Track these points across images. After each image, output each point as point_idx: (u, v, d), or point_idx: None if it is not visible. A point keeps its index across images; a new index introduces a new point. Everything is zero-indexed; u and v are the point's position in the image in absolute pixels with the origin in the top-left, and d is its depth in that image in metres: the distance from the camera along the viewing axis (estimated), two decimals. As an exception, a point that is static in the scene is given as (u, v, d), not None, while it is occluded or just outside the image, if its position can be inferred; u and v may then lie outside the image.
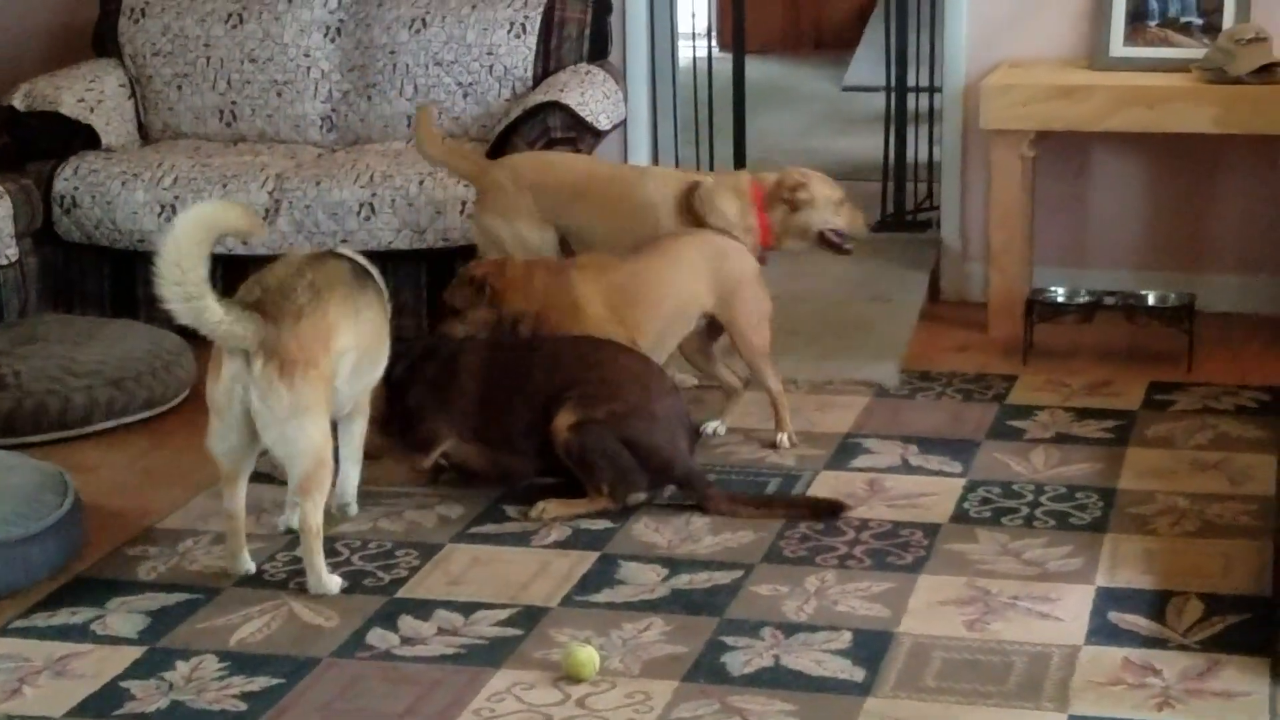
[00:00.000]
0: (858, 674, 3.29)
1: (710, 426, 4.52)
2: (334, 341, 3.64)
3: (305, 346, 3.56)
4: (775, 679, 3.27)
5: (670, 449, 4.00)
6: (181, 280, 3.41)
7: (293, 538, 3.85)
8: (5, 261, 5.10)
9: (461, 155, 4.94)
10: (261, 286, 3.63)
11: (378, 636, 3.48)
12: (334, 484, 3.77)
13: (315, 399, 3.57)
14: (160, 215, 5.31)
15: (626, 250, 4.45)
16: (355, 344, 3.72)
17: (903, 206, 6.12)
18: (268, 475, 3.88)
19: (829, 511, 3.98)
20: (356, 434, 3.97)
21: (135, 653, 3.43)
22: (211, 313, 3.46)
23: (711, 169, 6.17)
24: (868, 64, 8.56)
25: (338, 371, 3.67)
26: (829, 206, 4.61)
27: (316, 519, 3.62)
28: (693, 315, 4.40)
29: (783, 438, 4.44)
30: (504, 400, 4.08)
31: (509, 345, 4.22)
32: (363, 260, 3.91)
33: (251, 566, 3.73)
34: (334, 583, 3.66)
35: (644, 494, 4.04)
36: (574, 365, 4.08)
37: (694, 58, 6.51)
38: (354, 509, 4.03)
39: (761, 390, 4.49)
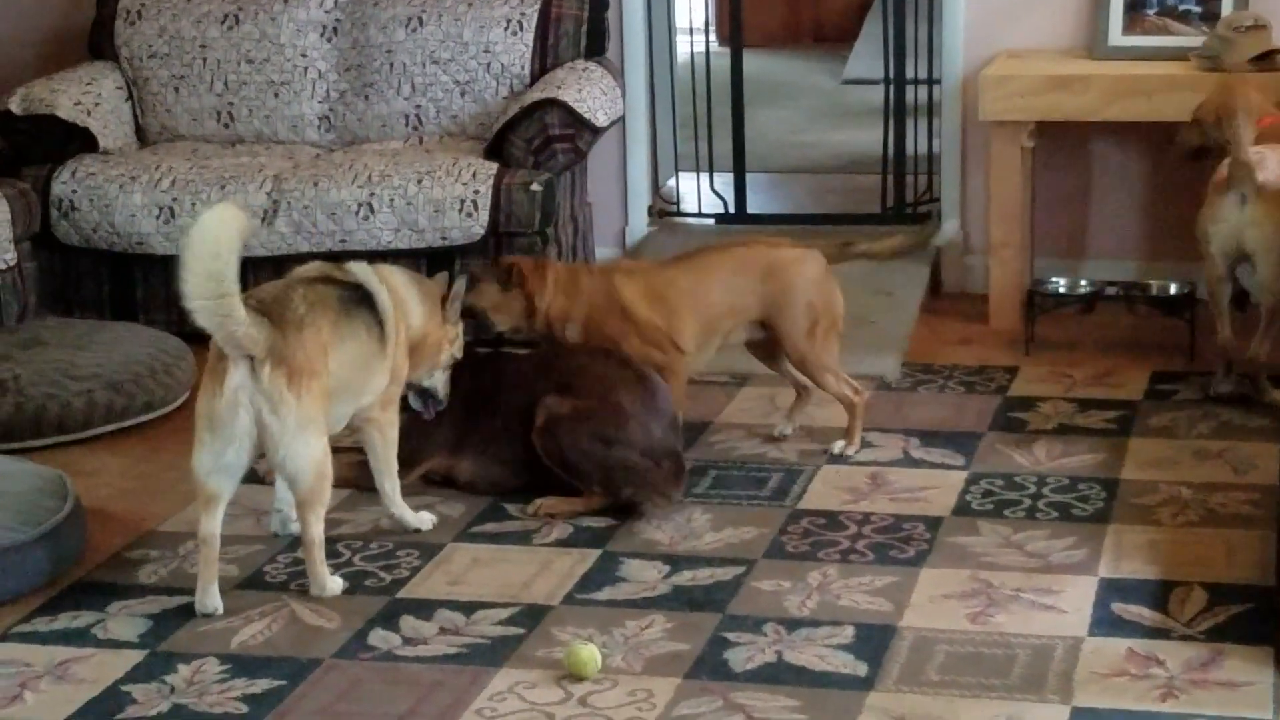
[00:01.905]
0: (860, 669, 3.28)
1: (777, 429, 4.46)
2: (328, 359, 3.58)
3: (310, 356, 3.52)
4: (778, 675, 3.27)
5: (637, 444, 3.96)
6: (220, 275, 3.32)
7: (293, 541, 3.85)
8: (4, 265, 5.10)
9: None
10: (257, 298, 3.55)
11: (379, 637, 3.48)
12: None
13: (319, 411, 3.53)
14: (158, 218, 5.30)
15: (668, 257, 4.43)
16: (335, 370, 3.61)
17: (903, 199, 6.10)
18: (259, 478, 3.87)
19: None
20: (377, 448, 3.87)
21: (136, 656, 3.42)
22: (240, 312, 3.38)
23: (711, 166, 6.15)
24: (866, 57, 8.54)
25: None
26: None
27: (318, 530, 3.59)
28: (733, 324, 4.32)
29: (840, 444, 4.35)
30: (486, 412, 4.08)
31: (488, 358, 4.20)
32: (371, 283, 3.76)
33: (220, 606, 3.56)
34: (337, 584, 3.64)
35: (638, 490, 3.97)
36: (547, 371, 4.08)
37: (692, 53, 6.50)
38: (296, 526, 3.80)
39: (768, 384, 4.48)
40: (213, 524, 3.55)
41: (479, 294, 4.22)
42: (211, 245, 3.34)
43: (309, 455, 3.52)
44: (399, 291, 3.85)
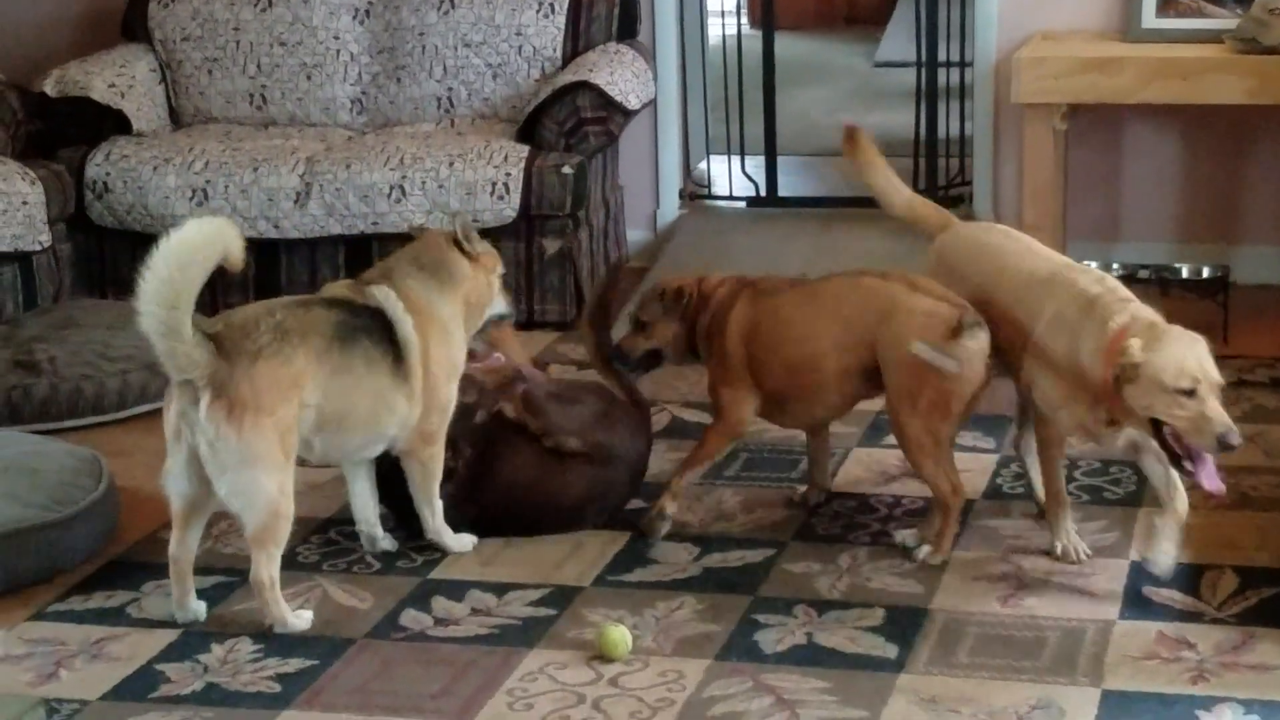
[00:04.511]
0: (891, 651, 3.28)
1: (900, 537, 3.73)
2: (296, 391, 3.36)
3: (258, 391, 3.29)
4: (808, 657, 3.27)
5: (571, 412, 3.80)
6: (180, 287, 3.18)
7: (324, 521, 3.86)
8: (38, 247, 5.13)
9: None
10: (225, 320, 3.39)
11: (411, 618, 3.49)
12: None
13: (267, 449, 3.30)
14: (191, 199, 5.33)
15: (802, 280, 3.90)
16: (317, 403, 3.41)
17: (935, 182, 6.08)
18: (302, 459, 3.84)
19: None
20: (416, 479, 3.67)
21: (170, 635, 3.45)
22: (186, 330, 3.22)
23: (742, 149, 6.14)
24: (899, 39, 8.51)
25: (304, 425, 3.42)
26: None
27: (270, 571, 3.39)
28: (835, 375, 3.69)
29: (923, 551, 3.64)
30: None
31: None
32: (392, 309, 3.53)
33: (202, 613, 3.49)
34: (302, 619, 3.45)
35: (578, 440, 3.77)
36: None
37: (724, 35, 6.48)
38: (385, 542, 3.78)
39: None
40: (182, 543, 3.44)
41: (648, 313, 3.89)
42: (186, 255, 3.19)
43: (255, 494, 3.32)
44: (420, 301, 3.58)
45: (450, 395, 3.67)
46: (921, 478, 3.70)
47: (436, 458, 3.67)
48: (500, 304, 3.79)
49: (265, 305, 3.49)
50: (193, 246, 3.22)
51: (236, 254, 3.32)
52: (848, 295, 3.70)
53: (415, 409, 3.59)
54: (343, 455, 3.63)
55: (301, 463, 3.82)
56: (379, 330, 3.52)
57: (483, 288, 3.72)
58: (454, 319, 3.66)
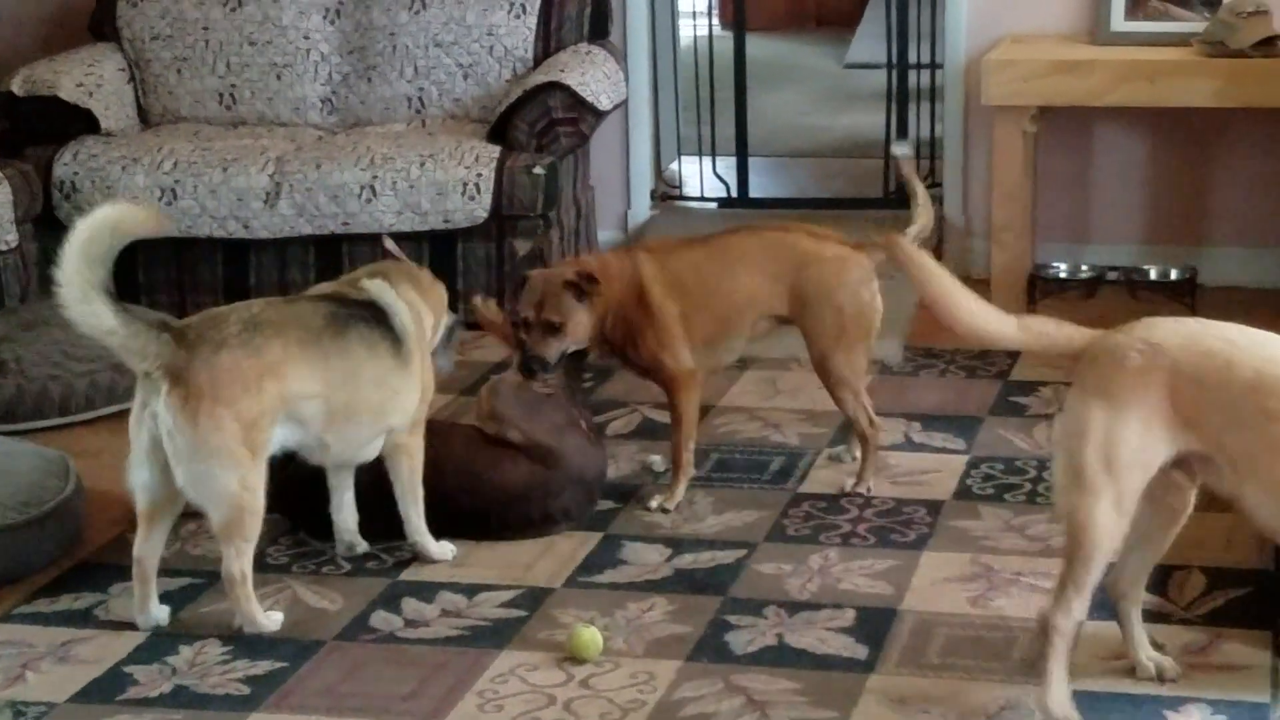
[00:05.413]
0: (861, 651, 3.29)
1: (841, 454, 4.15)
2: (269, 384, 3.33)
3: (218, 381, 3.27)
4: (779, 657, 3.27)
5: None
6: (69, 283, 3.18)
7: (294, 523, 3.85)
8: (5, 247, 5.10)
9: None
10: (203, 315, 3.41)
11: (381, 619, 3.48)
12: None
13: (224, 441, 3.27)
14: (160, 199, 5.30)
15: (697, 236, 4.07)
16: (321, 393, 3.42)
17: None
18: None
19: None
20: (403, 475, 3.66)
21: (138, 638, 3.43)
22: (100, 319, 3.21)
23: (713, 150, 6.15)
24: (870, 41, 8.53)
25: (302, 417, 3.42)
26: None
27: (239, 566, 3.36)
28: (752, 320, 3.96)
29: (850, 483, 3.99)
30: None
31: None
32: (387, 301, 3.56)
33: (164, 618, 3.46)
34: (272, 621, 3.43)
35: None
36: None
37: (695, 36, 6.50)
38: (363, 546, 3.76)
39: (770, 368, 4.43)
40: (146, 543, 3.41)
41: (558, 311, 3.81)
42: (73, 257, 3.18)
43: (215, 487, 3.30)
44: (409, 298, 3.64)
45: (433, 388, 3.72)
46: (845, 412, 3.99)
47: (421, 449, 3.69)
48: (448, 316, 3.86)
49: (247, 302, 3.52)
50: (77, 242, 3.21)
51: (144, 226, 3.32)
52: (762, 247, 3.96)
53: (415, 394, 3.62)
54: (354, 451, 3.61)
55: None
56: (374, 320, 3.54)
57: (438, 299, 3.80)
58: (429, 322, 3.72)
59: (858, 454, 4.10)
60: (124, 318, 3.25)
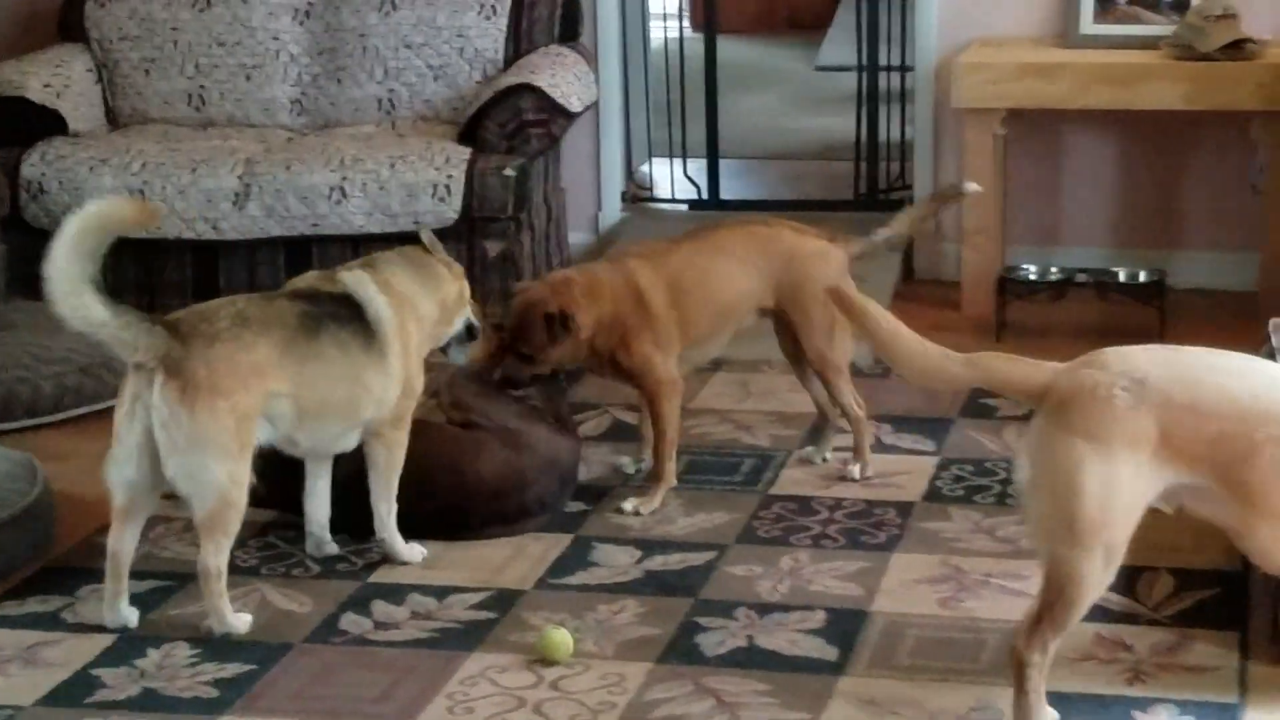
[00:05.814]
0: (831, 653, 3.29)
1: (813, 455, 4.21)
2: (257, 379, 3.35)
3: (215, 373, 3.29)
4: (749, 659, 3.27)
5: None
6: (58, 277, 3.21)
7: (263, 525, 3.84)
8: (-27, 249, 5.08)
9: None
10: (190, 310, 3.44)
11: (351, 622, 3.47)
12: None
13: (219, 433, 3.29)
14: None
15: (679, 236, 4.12)
16: (292, 393, 3.42)
17: (876, 186, 6.12)
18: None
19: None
20: (379, 466, 3.65)
21: (106, 640, 3.41)
22: (91, 311, 3.22)
23: (684, 152, 6.14)
24: (840, 44, 8.54)
25: (274, 415, 3.42)
26: None
27: (218, 561, 3.35)
28: (744, 314, 4.07)
29: (854, 469, 4.10)
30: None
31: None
32: (362, 293, 3.55)
33: (133, 619, 3.44)
34: (242, 622, 3.42)
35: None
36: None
37: (665, 39, 6.50)
38: (331, 547, 3.76)
39: (742, 370, 4.45)
40: (122, 538, 3.40)
41: (530, 345, 3.86)
42: (61, 253, 3.21)
43: (206, 479, 3.30)
44: (402, 289, 3.63)
45: (421, 383, 3.69)
46: (838, 401, 4.08)
47: (402, 444, 3.66)
48: (468, 313, 3.82)
49: (229, 298, 3.54)
50: (65, 239, 3.24)
51: (132, 220, 3.37)
52: (750, 242, 4.05)
53: (393, 388, 3.60)
54: (326, 446, 3.61)
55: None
56: (346, 315, 3.53)
57: (456, 295, 3.78)
58: (430, 315, 3.71)
59: (829, 455, 4.17)
60: (115, 309, 3.27)
